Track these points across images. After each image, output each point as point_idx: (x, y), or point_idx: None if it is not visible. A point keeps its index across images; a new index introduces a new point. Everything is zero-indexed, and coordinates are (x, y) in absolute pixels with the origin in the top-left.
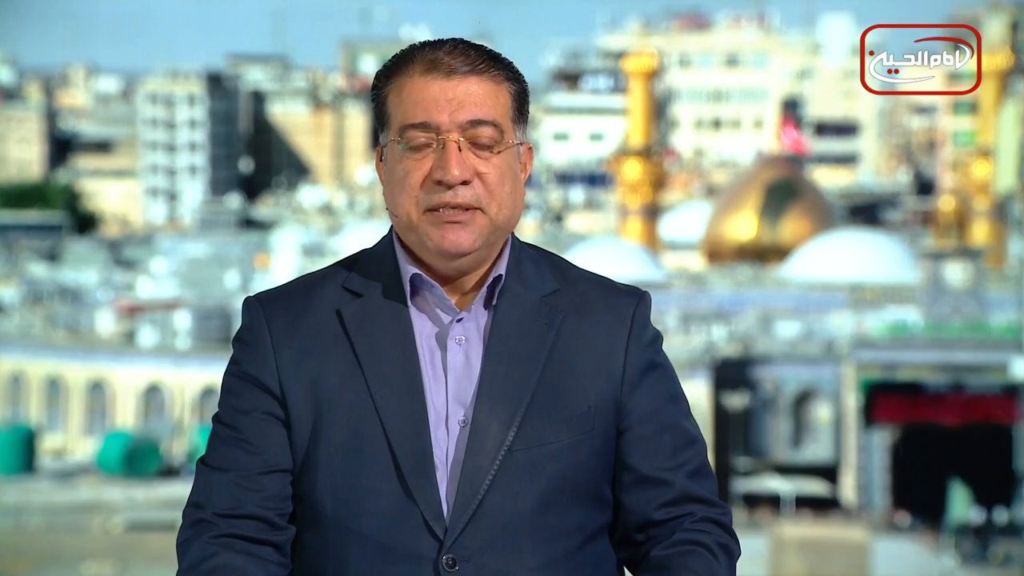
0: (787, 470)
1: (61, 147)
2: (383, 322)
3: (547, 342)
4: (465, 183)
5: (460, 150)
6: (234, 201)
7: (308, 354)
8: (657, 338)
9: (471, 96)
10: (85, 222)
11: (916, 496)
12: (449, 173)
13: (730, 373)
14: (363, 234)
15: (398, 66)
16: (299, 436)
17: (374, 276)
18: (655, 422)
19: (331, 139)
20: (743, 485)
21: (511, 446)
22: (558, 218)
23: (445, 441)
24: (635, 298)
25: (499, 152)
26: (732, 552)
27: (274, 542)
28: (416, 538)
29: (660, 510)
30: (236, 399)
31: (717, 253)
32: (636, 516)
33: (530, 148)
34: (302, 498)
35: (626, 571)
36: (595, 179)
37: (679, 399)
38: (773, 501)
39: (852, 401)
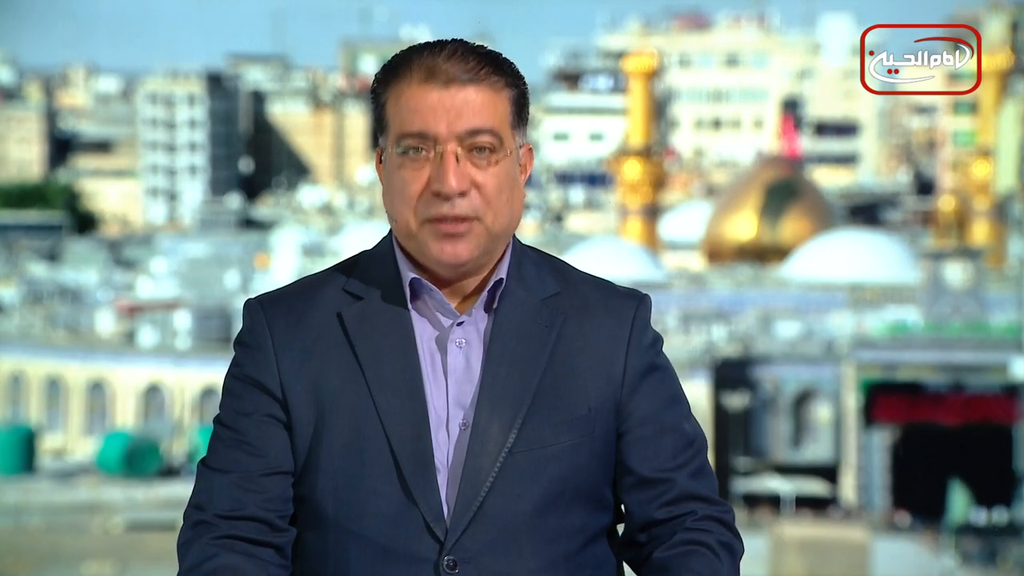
0: (787, 470)
1: (61, 147)
2: (384, 325)
3: (548, 344)
4: (463, 194)
5: (458, 161)
6: (234, 201)
7: (309, 356)
8: (657, 340)
9: (469, 105)
10: (85, 222)
11: (916, 496)
12: (447, 185)
13: (730, 373)
14: (363, 234)
15: (396, 71)
16: (300, 438)
17: (374, 279)
18: (656, 424)
19: (331, 139)
20: (743, 485)
21: (512, 448)
22: (558, 218)
23: (446, 444)
24: (635, 301)
25: (497, 162)
26: (735, 550)
27: (275, 544)
28: (417, 540)
29: (662, 509)
30: (237, 401)
31: (717, 253)
32: (638, 517)
33: (530, 149)
34: (303, 500)
35: (627, 572)
36: (595, 179)
37: (680, 401)
38: (773, 501)
39: (852, 401)
